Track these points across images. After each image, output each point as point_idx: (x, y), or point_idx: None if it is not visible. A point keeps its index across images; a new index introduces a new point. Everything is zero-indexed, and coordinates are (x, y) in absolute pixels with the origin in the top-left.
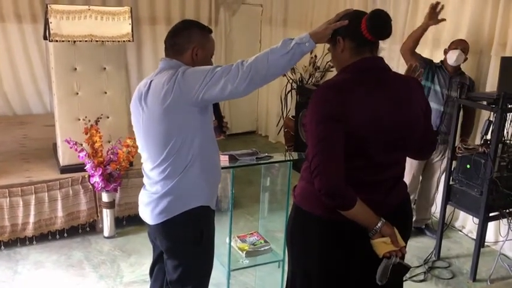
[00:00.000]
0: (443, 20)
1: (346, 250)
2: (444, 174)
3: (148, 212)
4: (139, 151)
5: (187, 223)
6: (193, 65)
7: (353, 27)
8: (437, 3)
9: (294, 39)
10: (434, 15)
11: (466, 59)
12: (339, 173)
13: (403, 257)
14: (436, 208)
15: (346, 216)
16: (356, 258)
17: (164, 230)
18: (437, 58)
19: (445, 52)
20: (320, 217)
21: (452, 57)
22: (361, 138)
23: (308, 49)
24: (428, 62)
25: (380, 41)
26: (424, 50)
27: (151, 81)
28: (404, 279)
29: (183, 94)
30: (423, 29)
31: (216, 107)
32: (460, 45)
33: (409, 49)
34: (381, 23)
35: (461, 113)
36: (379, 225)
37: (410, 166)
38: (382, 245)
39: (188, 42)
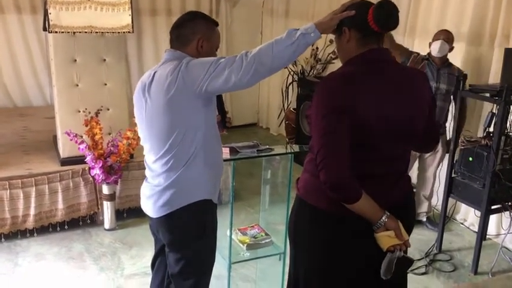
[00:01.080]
0: None
1: (351, 244)
2: (440, 166)
3: (150, 205)
4: (141, 143)
5: (190, 216)
6: (198, 57)
7: (359, 18)
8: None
9: (299, 30)
10: None
11: (452, 49)
12: (344, 166)
13: (406, 251)
14: (437, 201)
15: (351, 210)
16: (361, 252)
17: (167, 223)
18: None
19: (430, 44)
20: (325, 210)
21: (435, 48)
22: (366, 131)
23: (313, 40)
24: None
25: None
26: (426, 43)
27: (155, 72)
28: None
29: (187, 85)
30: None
31: (220, 101)
32: (442, 35)
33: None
34: (388, 14)
35: (452, 105)
36: (383, 218)
37: None
38: (386, 239)
39: (193, 33)
